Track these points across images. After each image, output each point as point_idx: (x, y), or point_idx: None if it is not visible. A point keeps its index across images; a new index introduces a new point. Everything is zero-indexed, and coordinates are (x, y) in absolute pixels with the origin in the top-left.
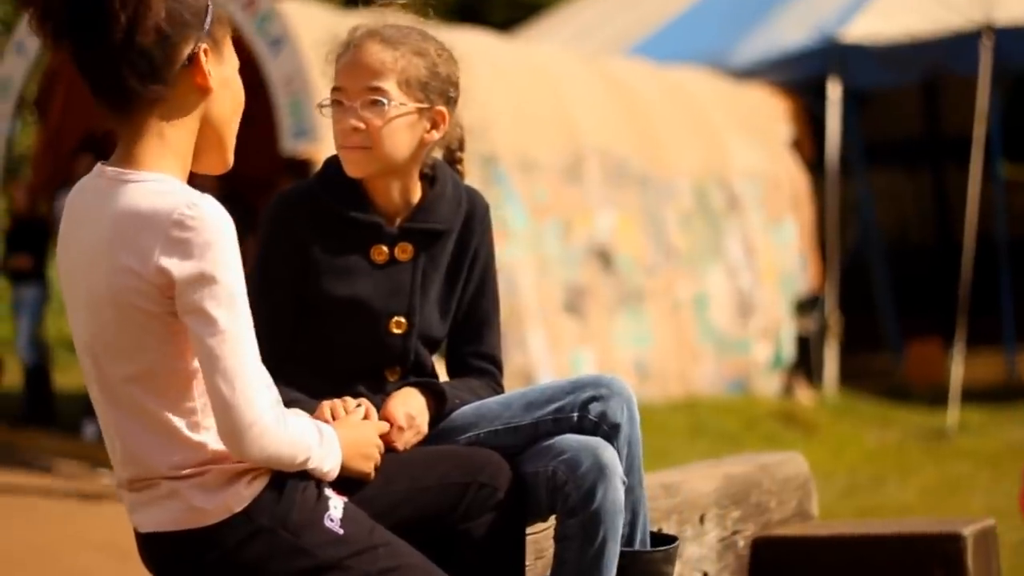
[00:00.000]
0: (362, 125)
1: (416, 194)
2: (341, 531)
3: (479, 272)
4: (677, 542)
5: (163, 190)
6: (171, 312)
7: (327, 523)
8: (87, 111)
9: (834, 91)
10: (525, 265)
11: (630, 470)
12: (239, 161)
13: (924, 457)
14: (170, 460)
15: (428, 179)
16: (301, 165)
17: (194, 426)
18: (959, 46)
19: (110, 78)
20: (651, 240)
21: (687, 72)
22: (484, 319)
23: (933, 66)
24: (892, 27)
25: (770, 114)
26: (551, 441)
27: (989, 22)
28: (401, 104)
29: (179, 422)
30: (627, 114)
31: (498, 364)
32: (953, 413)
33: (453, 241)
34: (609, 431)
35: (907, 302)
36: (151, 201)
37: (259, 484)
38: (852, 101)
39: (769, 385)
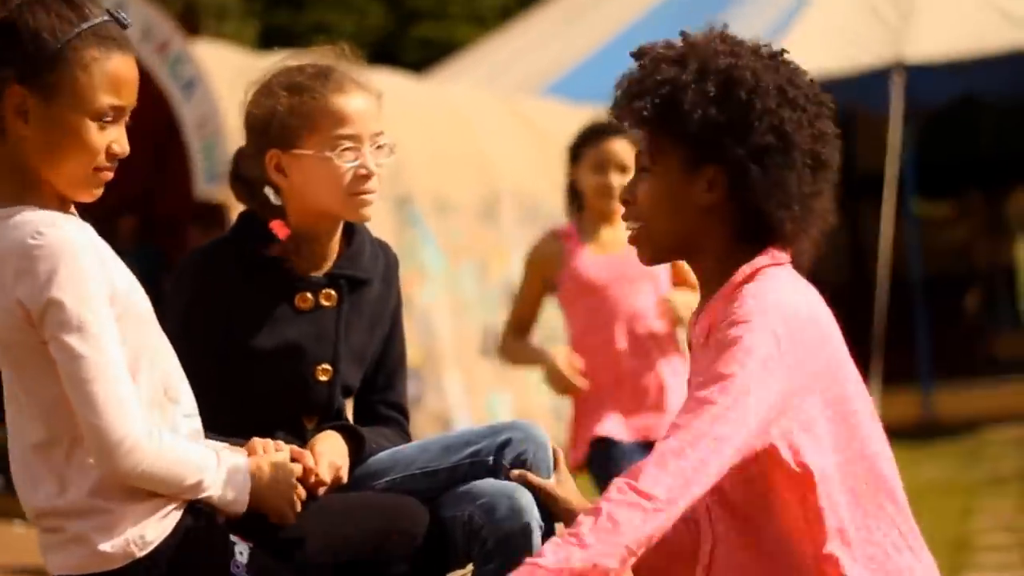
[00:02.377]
0: (377, 172)
1: (338, 243)
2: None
3: (391, 322)
4: None
5: (13, 222)
6: (44, 341)
7: (233, 570)
8: None
9: None
10: (442, 308)
11: (546, 516)
12: (155, 202)
13: (908, 459)
14: (69, 497)
15: (344, 229)
16: (211, 210)
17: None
18: (870, 84)
19: None
20: None
21: (602, 111)
22: (393, 369)
23: (845, 104)
24: (804, 65)
25: None
26: (468, 486)
27: (900, 60)
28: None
29: (75, 457)
30: (542, 154)
31: (405, 413)
32: None
33: (374, 290)
34: (523, 470)
35: None
36: (3, 235)
37: (164, 527)
38: None
39: None
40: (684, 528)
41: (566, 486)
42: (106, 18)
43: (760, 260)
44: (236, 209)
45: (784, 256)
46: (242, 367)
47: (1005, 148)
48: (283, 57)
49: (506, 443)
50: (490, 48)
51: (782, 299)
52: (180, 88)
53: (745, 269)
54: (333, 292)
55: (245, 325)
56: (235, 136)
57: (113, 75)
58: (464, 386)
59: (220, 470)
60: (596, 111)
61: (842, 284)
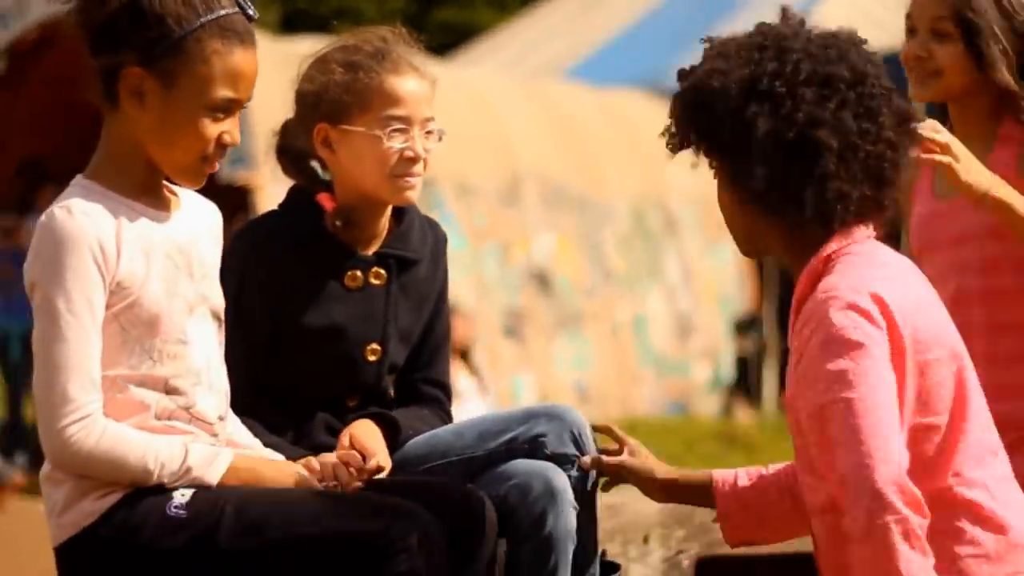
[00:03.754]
0: (425, 156)
1: (387, 221)
2: (184, 514)
3: (438, 300)
4: (621, 569)
5: (59, 197)
6: None
7: (170, 512)
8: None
9: None
10: (464, 289)
11: (583, 497)
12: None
13: None
14: (45, 468)
15: (394, 208)
16: (237, 193)
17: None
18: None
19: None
20: (589, 263)
21: (624, 95)
22: (437, 346)
23: None
24: None
25: None
26: (503, 467)
27: None
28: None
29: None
30: (564, 137)
31: (447, 391)
32: None
33: (422, 269)
34: (564, 460)
35: None
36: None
37: (111, 498)
38: None
39: (709, 406)
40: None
41: (641, 454)
42: (233, 10)
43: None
44: (260, 191)
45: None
46: (291, 346)
47: None
48: (341, 37)
49: (543, 432)
50: (512, 32)
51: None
52: None
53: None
54: (382, 271)
55: (295, 303)
56: (252, 122)
57: (233, 69)
58: (488, 367)
59: (170, 465)
60: (617, 94)
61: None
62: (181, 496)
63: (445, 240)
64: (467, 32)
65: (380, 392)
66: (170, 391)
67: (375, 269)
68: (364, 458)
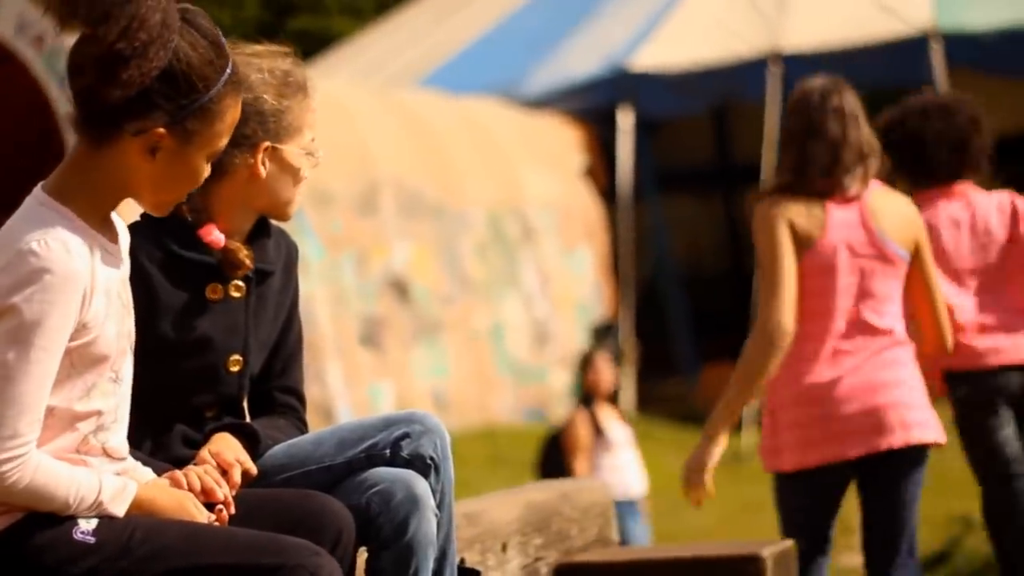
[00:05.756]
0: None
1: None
2: (92, 539)
3: (291, 309)
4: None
5: (38, 216)
6: None
7: (77, 536)
8: None
9: (625, 120)
10: (322, 298)
11: (441, 505)
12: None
13: (722, 480)
14: None
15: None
16: None
17: None
18: (747, 73)
19: (86, 92)
20: (447, 271)
21: (479, 102)
22: (290, 355)
23: (722, 93)
24: (680, 55)
25: (563, 143)
26: (364, 474)
27: (776, 49)
28: None
29: None
30: (420, 145)
31: (302, 399)
32: (749, 435)
33: (277, 280)
34: (422, 467)
35: (703, 328)
36: (22, 222)
37: (8, 517)
38: (643, 129)
39: (567, 413)
40: None
41: None
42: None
43: None
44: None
45: None
46: (153, 357)
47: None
48: (249, 52)
49: (403, 436)
50: (367, 41)
51: None
52: (57, 82)
53: None
54: (242, 283)
55: (157, 315)
56: None
57: (234, 120)
58: (344, 376)
59: (88, 501)
60: (473, 102)
61: (721, 274)
62: (87, 522)
63: (296, 250)
64: (323, 40)
65: (238, 403)
66: (97, 428)
67: (235, 282)
68: (225, 473)
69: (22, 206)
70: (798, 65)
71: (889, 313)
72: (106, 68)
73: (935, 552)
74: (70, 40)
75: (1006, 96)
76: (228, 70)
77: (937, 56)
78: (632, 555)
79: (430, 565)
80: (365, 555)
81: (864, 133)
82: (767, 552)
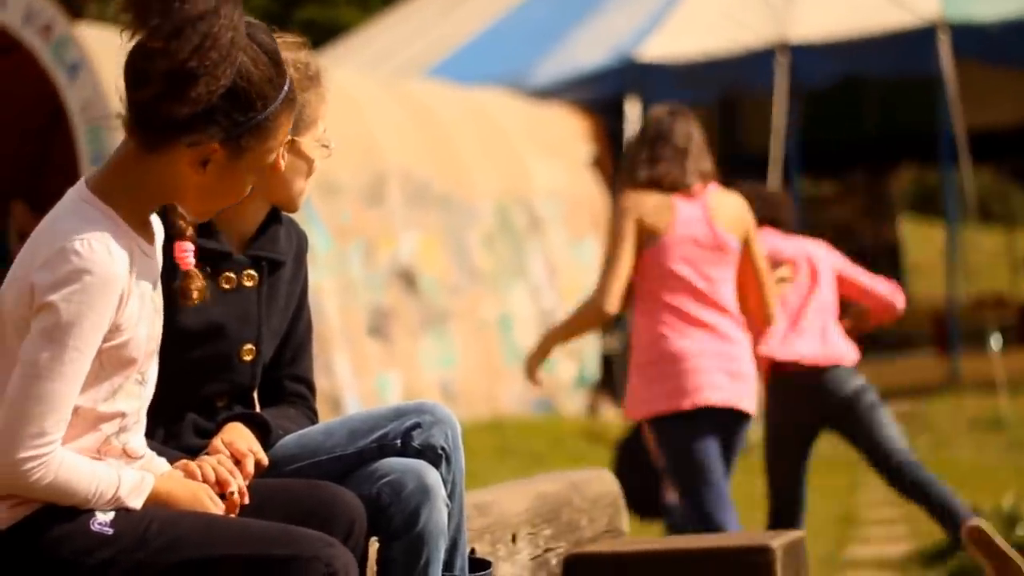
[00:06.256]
0: None
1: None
2: (110, 531)
3: (300, 298)
4: (491, 567)
5: (83, 215)
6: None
7: (94, 528)
8: None
9: (632, 110)
10: (329, 289)
11: (452, 495)
12: (42, 184)
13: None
14: None
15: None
16: None
17: None
18: (754, 64)
19: (148, 104)
20: (454, 261)
21: (487, 93)
22: (300, 344)
23: (729, 84)
24: (688, 46)
25: (570, 134)
26: (375, 464)
27: (783, 40)
28: None
29: None
30: (428, 136)
31: (312, 387)
32: (755, 428)
33: (287, 270)
34: (433, 457)
35: None
36: (66, 218)
37: (25, 508)
38: None
39: (574, 404)
40: None
41: None
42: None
43: None
44: None
45: None
46: (167, 347)
47: (888, 127)
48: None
49: (414, 426)
50: (374, 32)
51: None
52: (65, 71)
53: None
54: (254, 272)
55: (172, 303)
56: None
57: (285, 136)
58: (352, 366)
59: (108, 496)
60: (480, 93)
61: None
62: (104, 514)
63: (306, 241)
64: (330, 31)
65: (250, 392)
66: (120, 430)
67: (248, 271)
68: (238, 463)
69: (64, 200)
70: (806, 56)
71: (725, 294)
72: (174, 84)
73: (943, 544)
74: (80, 30)
75: (1012, 87)
76: (285, 88)
77: (944, 47)
78: (642, 546)
79: (441, 556)
80: (376, 545)
81: (702, 141)
82: (777, 543)
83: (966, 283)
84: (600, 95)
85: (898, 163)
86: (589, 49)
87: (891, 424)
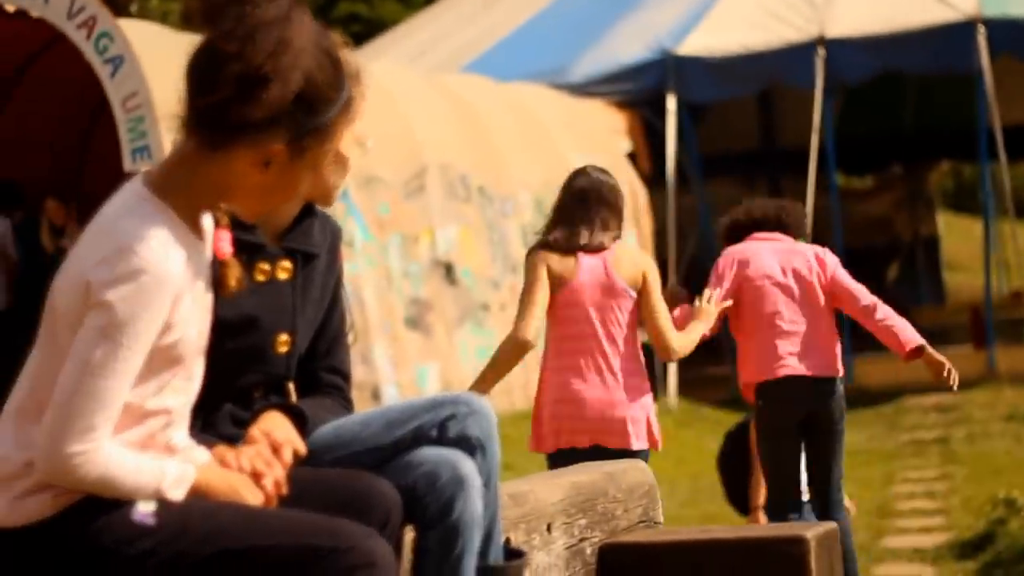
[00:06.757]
0: None
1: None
2: (152, 522)
3: (335, 290)
4: (525, 556)
5: (141, 214)
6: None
7: (135, 518)
8: None
9: (671, 104)
10: (368, 280)
11: (487, 485)
12: (83, 180)
13: None
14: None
15: None
16: None
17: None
18: (793, 58)
19: (218, 106)
20: (493, 253)
21: (525, 87)
22: (335, 335)
23: (768, 78)
24: (727, 41)
25: (608, 127)
26: (410, 455)
27: (822, 35)
28: None
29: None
30: (467, 129)
31: (347, 378)
32: None
33: (321, 262)
34: (468, 448)
35: None
36: (124, 217)
37: (69, 497)
38: (689, 114)
39: None
40: None
41: None
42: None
43: None
44: None
45: None
46: None
47: (926, 122)
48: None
49: (450, 417)
50: (413, 27)
51: None
52: (106, 64)
53: None
54: (289, 264)
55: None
56: (163, 112)
57: (342, 137)
58: (391, 357)
59: (156, 489)
60: (519, 87)
61: None
62: (145, 505)
63: (340, 233)
64: (371, 25)
65: (285, 383)
66: (165, 426)
67: (282, 262)
68: (276, 452)
69: (122, 195)
70: (844, 50)
71: (624, 336)
72: (247, 87)
73: (978, 535)
74: (121, 25)
75: None
76: (345, 91)
77: (982, 43)
78: (677, 536)
79: (476, 545)
80: (412, 535)
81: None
82: (811, 534)
83: (1003, 277)
84: (639, 90)
85: (936, 157)
86: (628, 43)
87: (842, 456)
